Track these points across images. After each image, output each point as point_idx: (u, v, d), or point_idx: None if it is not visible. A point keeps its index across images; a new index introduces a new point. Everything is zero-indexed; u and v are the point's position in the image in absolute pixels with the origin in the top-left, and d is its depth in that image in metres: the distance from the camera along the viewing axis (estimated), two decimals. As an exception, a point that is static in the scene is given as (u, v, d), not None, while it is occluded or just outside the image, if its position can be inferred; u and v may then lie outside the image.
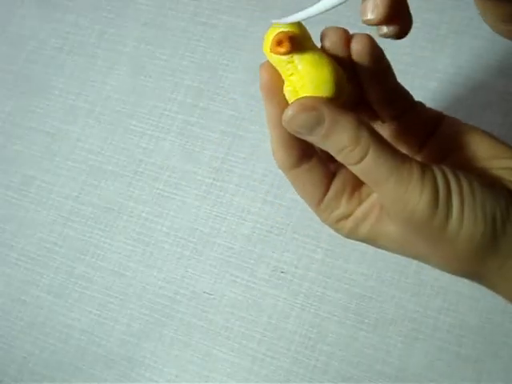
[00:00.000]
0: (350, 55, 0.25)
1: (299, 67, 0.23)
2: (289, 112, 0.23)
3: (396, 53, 0.43)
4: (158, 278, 0.41)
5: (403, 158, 0.23)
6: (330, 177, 0.26)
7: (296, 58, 0.23)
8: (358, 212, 0.26)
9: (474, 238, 0.23)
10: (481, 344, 0.36)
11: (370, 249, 0.38)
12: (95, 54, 0.48)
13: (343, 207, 0.26)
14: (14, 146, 0.47)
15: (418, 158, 0.28)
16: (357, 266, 0.39)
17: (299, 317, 0.39)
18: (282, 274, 0.40)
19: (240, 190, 0.42)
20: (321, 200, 0.26)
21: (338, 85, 0.23)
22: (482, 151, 0.26)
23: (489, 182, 0.24)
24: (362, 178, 0.24)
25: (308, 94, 0.23)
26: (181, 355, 0.39)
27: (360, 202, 0.26)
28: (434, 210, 0.23)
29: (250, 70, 0.45)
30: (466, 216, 0.23)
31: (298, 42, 0.23)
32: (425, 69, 0.42)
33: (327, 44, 0.24)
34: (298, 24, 0.24)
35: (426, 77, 0.42)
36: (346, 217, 0.27)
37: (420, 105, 0.28)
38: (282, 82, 0.24)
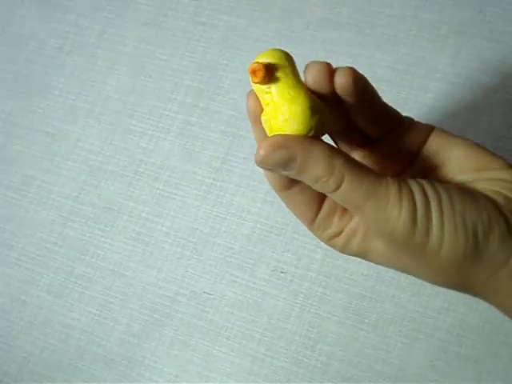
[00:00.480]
0: (333, 89, 0.25)
1: (275, 99, 0.24)
2: (260, 152, 0.23)
3: (396, 53, 0.43)
4: (158, 278, 0.41)
5: (379, 179, 0.23)
6: (322, 196, 0.27)
7: (273, 89, 0.24)
8: (348, 228, 0.27)
9: (456, 252, 0.23)
10: (481, 344, 0.36)
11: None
12: (95, 53, 0.48)
13: (335, 225, 0.27)
14: (13, 146, 0.47)
15: (407, 174, 0.28)
16: (357, 266, 0.39)
17: (299, 317, 0.39)
18: (281, 274, 0.40)
19: (240, 189, 0.42)
20: (313, 219, 0.27)
21: (313, 121, 0.23)
22: (470, 163, 0.26)
23: (471, 194, 0.24)
24: (341, 203, 0.24)
25: (279, 127, 0.23)
26: (181, 355, 0.39)
27: (350, 219, 0.27)
28: (413, 226, 0.23)
29: (250, 70, 0.45)
30: (446, 230, 0.23)
31: (274, 72, 0.24)
32: (425, 69, 0.42)
33: (309, 79, 0.24)
34: (284, 55, 0.24)
35: (426, 77, 0.42)
36: (338, 234, 0.27)
37: (408, 120, 0.28)
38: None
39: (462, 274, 0.24)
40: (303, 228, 0.41)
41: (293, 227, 0.40)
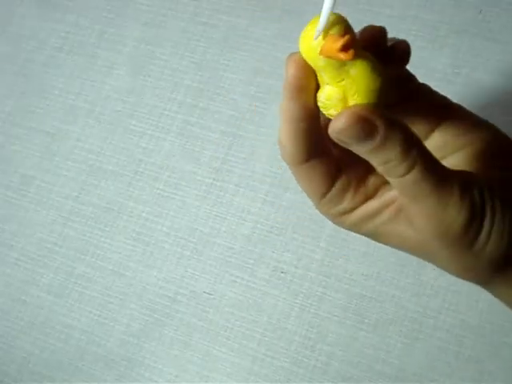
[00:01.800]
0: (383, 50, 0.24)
1: (352, 72, 0.21)
2: (340, 122, 0.22)
3: (396, 53, 0.43)
4: (157, 278, 0.41)
5: (446, 175, 0.23)
6: (337, 170, 0.26)
7: (349, 62, 0.21)
8: (368, 208, 0.26)
9: (497, 253, 0.23)
10: (481, 344, 0.36)
11: (370, 249, 0.39)
12: (95, 53, 0.48)
13: (347, 202, 0.26)
14: (13, 146, 0.47)
15: (432, 140, 0.27)
16: (357, 266, 0.39)
17: (299, 317, 0.39)
18: (281, 274, 0.40)
19: (240, 190, 0.42)
20: (324, 194, 0.26)
21: (387, 91, 0.22)
22: (493, 147, 0.26)
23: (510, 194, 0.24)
24: (399, 190, 0.24)
25: (359, 102, 0.22)
26: (181, 355, 0.39)
27: (366, 197, 0.26)
28: (468, 227, 0.23)
29: (250, 70, 0.45)
30: (493, 233, 0.23)
31: (358, 46, 0.21)
32: (425, 69, 0.42)
33: (371, 38, 0.24)
34: (344, 18, 0.22)
35: (426, 77, 0.42)
36: (349, 211, 0.26)
37: (424, 88, 0.27)
38: (314, 82, 0.23)
39: (492, 273, 0.24)
40: (303, 228, 0.41)
41: (293, 227, 0.40)
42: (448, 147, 0.27)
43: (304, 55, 0.22)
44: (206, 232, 0.42)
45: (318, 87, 0.23)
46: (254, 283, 0.40)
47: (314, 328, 0.38)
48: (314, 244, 0.40)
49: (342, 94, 0.22)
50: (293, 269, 0.40)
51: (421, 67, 0.42)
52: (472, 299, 0.37)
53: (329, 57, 0.21)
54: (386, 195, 0.26)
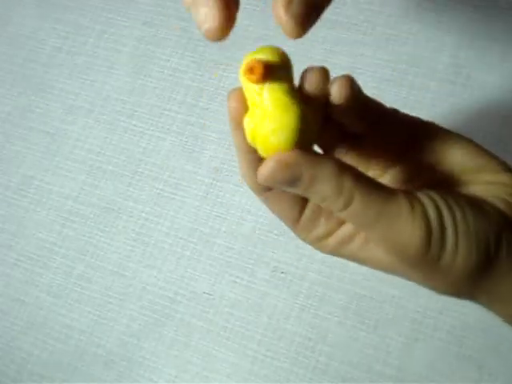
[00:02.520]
0: (327, 95, 0.23)
1: (265, 103, 0.21)
2: (264, 170, 0.22)
3: (396, 52, 0.43)
4: (157, 279, 0.41)
5: (390, 195, 0.22)
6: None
7: (266, 91, 0.21)
8: (342, 233, 0.25)
9: (469, 267, 0.22)
10: (481, 344, 0.36)
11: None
12: (95, 53, 0.48)
13: (323, 226, 0.26)
14: (13, 146, 0.47)
15: (396, 172, 0.26)
16: (357, 266, 0.39)
17: (299, 317, 0.39)
18: (281, 275, 0.40)
19: (240, 190, 0.42)
20: (297, 220, 0.25)
21: (302, 133, 0.21)
22: (470, 162, 0.25)
23: (480, 207, 0.23)
24: (349, 221, 0.23)
25: (264, 134, 0.21)
26: (180, 355, 0.39)
27: (339, 222, 0.25)
28: (427, 245, 0.22)
29: (250, 70, 0.45)
30: (460, 246, 0.22)
31: (272, 73, 0.21)
32: (425, 69, 0.42)
33: (307, 85, 0.23)
34: (284, 55, 0.22)
35: (426, 77, 0.42)
36: (326, 236, 0.26)
37: (394, 113, 0.26)
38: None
39: (470, 286, 0.23)
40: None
41: (293, 227, 0.40)
42: (423, 167, 0.26)
43: (240, 81, 0.23)
44: (205, 232, 0.41)
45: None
46: (253, 283, 0.40)
47: (314, 328, 0.38)
48: (314, 244, 0.40)
49: (254, 121, 0.22)
50: (293, 269, 0.40)
51: (421, 67, 0.42)
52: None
53: (244, 77, 0.22)
54: None
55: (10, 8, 0.51)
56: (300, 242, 0.40)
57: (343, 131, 0.26)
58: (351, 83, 0.23)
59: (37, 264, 0.43)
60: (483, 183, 0.24)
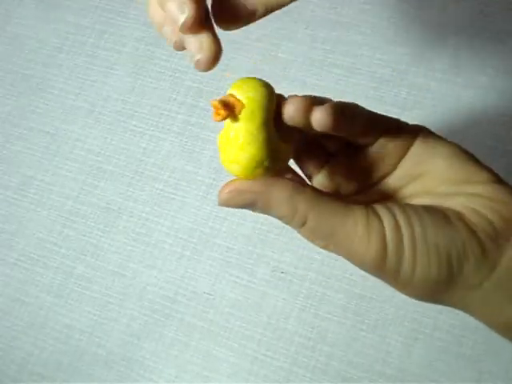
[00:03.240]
0: (309, 123, 0.23)
1: (231, 134, 0.23)
2: (223, 196, 0.24)
3: (396, 53, 0.43)
4: (158, 279, 0.41)
5: (346, 212, 0.23)
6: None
7: (235, 124, 0.23)
8: None
9: (429, 280, 0.23)
10: (481, 344, 0.36)
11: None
12: (95, 53, 0.48)
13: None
14: (13, 146, 0.47)
15: (391, 182, 0.26)
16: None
17: (299, 317, 0.39)
18: (281, 275, 0.40)
19: (240, 190, 0.42)
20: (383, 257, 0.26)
21: (267, 159, 0.23)
22: (453, 174, 0.25)
23: (445, 220, 0.23)
24: (309, 238, 0.24)
25: (234, 154, 0.23)
26: (180, 355, 0.39)
27: None
28: (383, 258, 0.22)
29: (250, 70, 0.45)
30: (418, 261, 0.22)
31: (239, 112, 0.22)
32: (425, 69, 0.42)
33: (286, 116, 0.23)
34: (261, 90, 0.23)
35: (426, 77, 0.42)
36: None
37: (397, 124, 0.26)
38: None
39: (436, 296, 0.24)
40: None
41: (293, 227, 0.40)
42: (407, 177, 0.26)
43: None
44: (206, 232, 0.42)
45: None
46: (253, 283, 0.40)
47: (313, 328, 0.38)
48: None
49: (227, 141, 0.23)
50: (293, 269, 0.40)
51: (421, 67, 0.42)
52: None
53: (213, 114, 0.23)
54: None
55: (10, 8, 0.51)
56: (300, 242, 0.40)
57: (327, 150, 0.26)
58: (334, 111, 0.23)
59: (37, 264, 0.43)
60: (463, 194, 0.24)
